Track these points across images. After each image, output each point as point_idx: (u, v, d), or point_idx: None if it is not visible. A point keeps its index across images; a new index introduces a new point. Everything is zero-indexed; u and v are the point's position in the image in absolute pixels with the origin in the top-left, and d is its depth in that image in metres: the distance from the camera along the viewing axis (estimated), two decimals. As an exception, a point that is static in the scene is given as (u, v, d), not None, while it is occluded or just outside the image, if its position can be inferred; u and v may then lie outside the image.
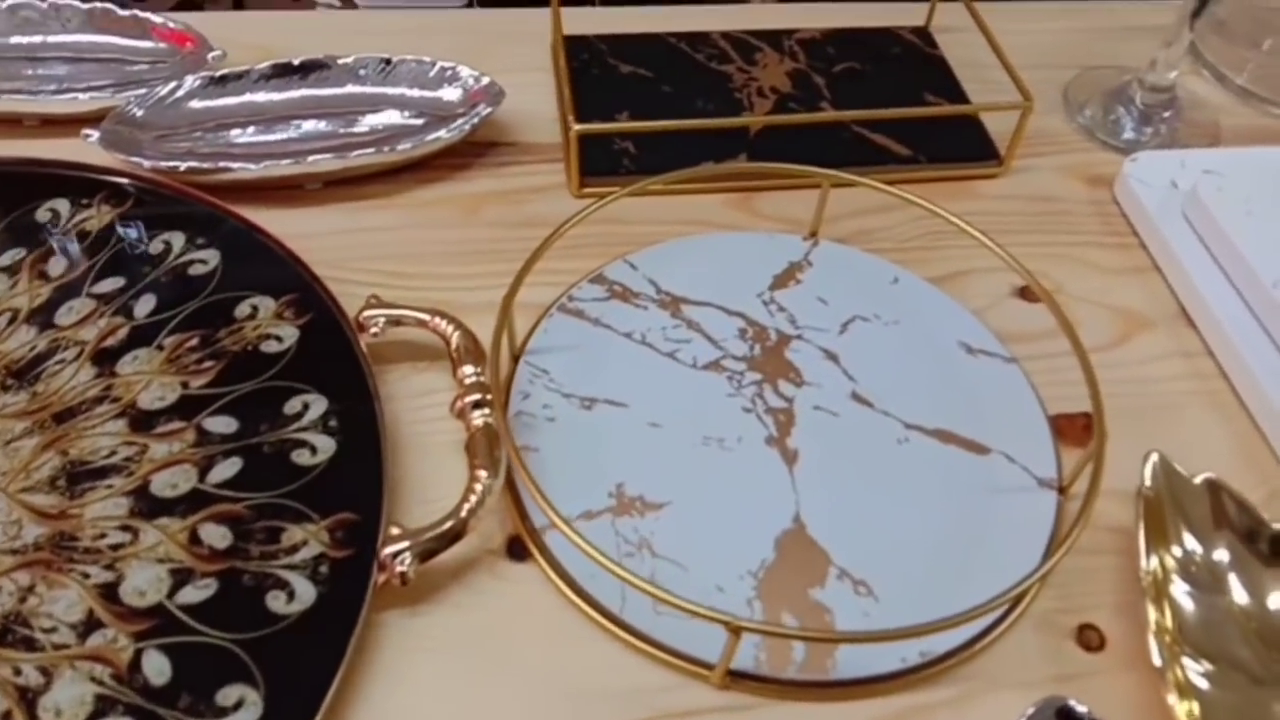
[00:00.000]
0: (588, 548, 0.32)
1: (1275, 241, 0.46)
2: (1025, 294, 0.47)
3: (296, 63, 0.51)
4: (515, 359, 0.42)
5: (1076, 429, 0.42)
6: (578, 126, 0.47)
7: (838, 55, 0.58)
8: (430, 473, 0.39)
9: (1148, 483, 0.37)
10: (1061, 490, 0.39)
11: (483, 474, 0.35)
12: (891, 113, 0.50)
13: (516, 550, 0.37)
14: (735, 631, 0.32)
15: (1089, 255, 0.50)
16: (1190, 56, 0.62)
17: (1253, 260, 0.45)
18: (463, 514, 0.35)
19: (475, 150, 0.52)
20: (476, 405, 0.38)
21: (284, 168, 0.46)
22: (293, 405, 0.39)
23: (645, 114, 0.53)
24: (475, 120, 0.49)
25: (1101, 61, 0.61)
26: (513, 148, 0.52)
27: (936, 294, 0.46)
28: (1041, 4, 0.66)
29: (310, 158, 0.47)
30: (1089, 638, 0.37)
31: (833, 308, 0.45)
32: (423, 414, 0.41)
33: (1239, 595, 0.36)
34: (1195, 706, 0.33)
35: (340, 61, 0.52)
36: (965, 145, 0.53)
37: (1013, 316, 0.46)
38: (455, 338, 0.40)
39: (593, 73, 0.56)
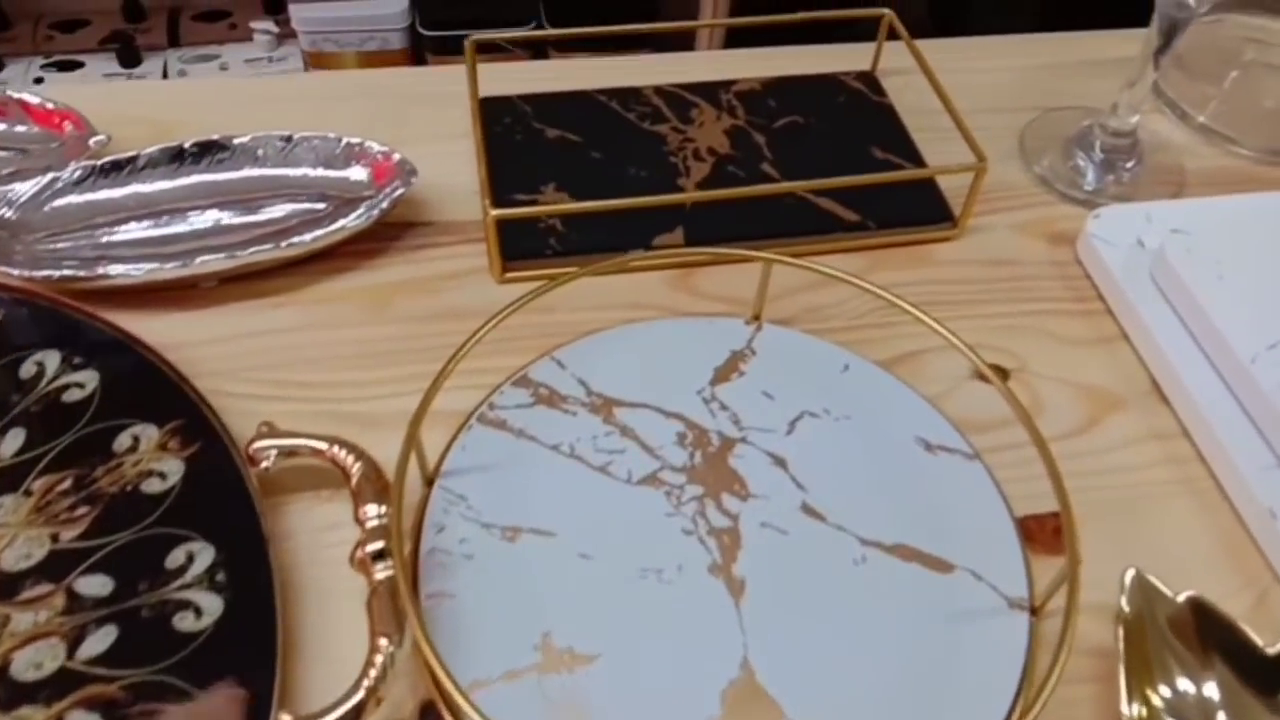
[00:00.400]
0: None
1: (1251, 308, 0.43)
2: (983, 373, 0.44)
3: (189, 145, 0.47)
4: (429, 483, 0.38)
5: (1047, 532, 0.39)
6: (494, 212, 0.43)
7: (779, 108, 0.54)
8: (333, 624, 0.35)
9: (1125, 606, 0.34)
10: (1034, 611, 0.36)
11: (383, 642, 0.31)
12: (834, 182, 0.46)
13: (431, 719, 0.33)
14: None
15: (1053, 325, 0.46)
16: (1152, 93, 0.58)
17: (1227, 332, 0.42)
18: (362, 691, 0.31)
19: (388, 233, 0.47)
20: (378, 556, 0.33)
21: (169, 271, 0.42)
22: (176, 557, 0.35)
23: (573, 183, 0.49)
24: (384, 204, 0.45)
25: (1060, 100, 0.57)
26: (430, 228, 0.48)
27: (891, 381, 0.42)
28: (994, 39, 0.62)
29: (199, 259, 0.42)
30: (1068, 783, 0.33)
31: (779, 403, 0.41)
32: (326, 553, 0.37)
33: (1231, 734, 0.32)
34: None
35: (236, 141, 0.47)
36: (917, 206, 0.49)
37: (974, 401, 0.43)
38: (356, 470, 0.36)
39: (516, 139, 0.51)
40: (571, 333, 0.43)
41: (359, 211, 0.45)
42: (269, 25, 1.56)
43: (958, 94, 0.50)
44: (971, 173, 0.47)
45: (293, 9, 1.45)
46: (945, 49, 0.60)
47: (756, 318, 0.44)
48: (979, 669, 0.34)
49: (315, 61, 1.38)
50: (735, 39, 1.39)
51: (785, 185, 0.47)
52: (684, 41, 1.44)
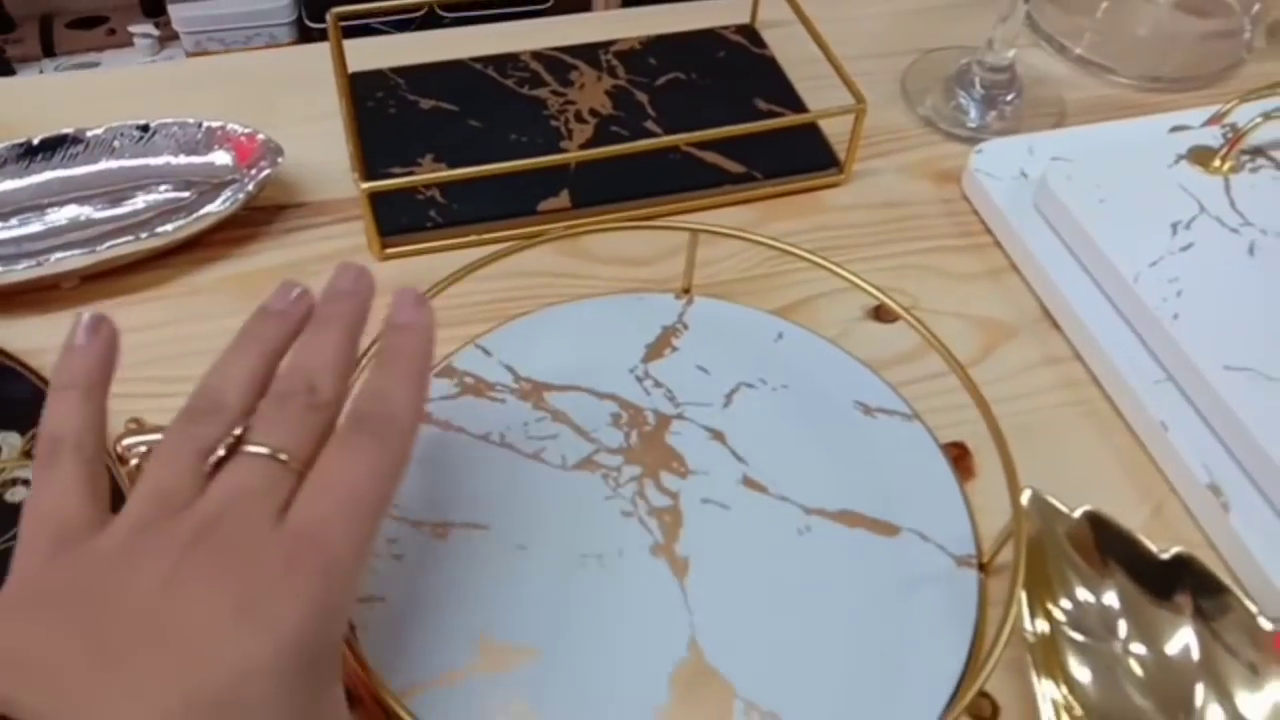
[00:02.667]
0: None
1: (1133, 229, 0.43)
2: (880, 314, 0.44)
3: (36, 141, 0.44)
4: None
5: (953, 459, 0.39)
6: (365, 185, 0.42)
7: (660, 65, 0.53)
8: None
9: (1025, 524, 0.34)
10: (982, 567, 0.35)
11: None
12: (716, 133, 0.46)
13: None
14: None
15: (943, 262, 0.46)
16: (1028, 28, 0.59)
17: (1111, 254, 0.42)
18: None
19: (260, 217, 0.45)
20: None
21: (21, 272, 0.40)
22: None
23: (453, 153, 0.48)
24: (250, 186, 0.43)
25: (938, 42, 0.57)
26: (303, 209, 0.46)
27: (826, 347, 0.41)
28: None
29: (54, 256, 0.40)
30: (981, 707, 0.33)
31: (714, 376, 0.40)
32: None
33: (1132, 642, 0.33)
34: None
35: (90, 134, 0.45)
36: (803, 155, 0.49)
37: (871, 341, 0.42)
38: (234, 460, 0.34)
39: (389, 111, 0.50)
40: (467, 312, 0.42)
41: (224, 196, 0.43)
42: (149, 28, 1.51)
43: (837, 42, 0.50)
44: (852, 115, 0.47)
45: (173, 9, 1.40)
46: (823, -2, 0.60)
47: (686, 291, 0.43)
48: (931, 630, 0.33)
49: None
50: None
51: (667, 139, 0.46)
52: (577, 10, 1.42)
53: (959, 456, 0.39)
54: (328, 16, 0.49)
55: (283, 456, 0.26)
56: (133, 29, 1.50)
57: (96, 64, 1.50)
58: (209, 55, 1.42)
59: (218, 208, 0.42)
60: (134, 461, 0.35)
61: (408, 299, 0.29)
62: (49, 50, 1.50)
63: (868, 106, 0.46)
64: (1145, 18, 0.58)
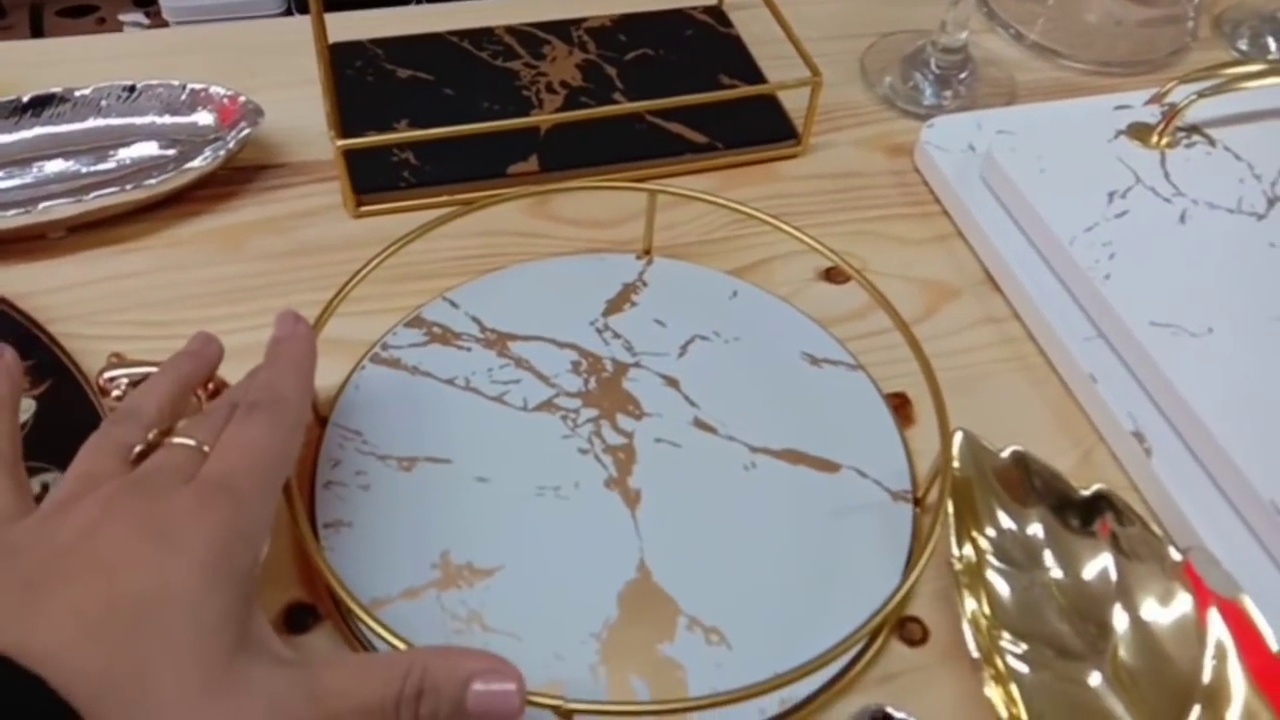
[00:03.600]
0: (391, 638, 0.29)
1: (1071, 198, 0.46)
2: (831, 275, 0.46)
3: (26, 99, 0.46)
4: (322, 423, 0.38)
5: (894, 407, 0.41)
6: (341, 141, 0.44)
7: (629, 42, 0.55)
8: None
9: (956, 463, 0.36)
10: (917, 502, 0.38)
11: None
12: (679, 100, 0.48)
13: (300, 619, 0.34)
14: (566, 716, 0.28)
15: (892, 229, 0.48)
16: (985, 15, 0.61)
17: (1049, 219, 0.45)
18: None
19: (241, 176, 0.47)
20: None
21: (11, 219, 0.41)
22: (32, 489, 0.34)
23: (426, 120, 0.49)
24: (231, 144, 0.45)
25: (897, 25, 0.60)
26: (282, 169, 0.48)
27: (778, 304, 0.44)
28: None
29: (42, 204, 0.42)
30: (911, 631, 0.35)
31: (671, 329, 0.42)
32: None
33: (1053, 569, 0.35)
34: (1015, 690, 0.32)
35: (78, 94, 0.47)
36: (763, 127, 0.51)
37: (821, 300, 0.45)
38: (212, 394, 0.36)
39: (367, 80, 0.52)
40: (432, 264, 0.44)
41: (206, 154, 0.45)
42: (139, 17, 1.53)
43: (801, 24, 0.52)
44: (809, 88, 0.49)
45: (162, -2, 1.42)
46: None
47: (647, 252, 0.45)
48: (865, 560, 0.36)
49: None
50: None
51: (632, 105, 0.48)
52: None
53: (900, 405, 0.41)
54: (309, -12, 0.51)
55: (205, 449, 0.29)
56: (122, 17, 1.52)
57: (85, 52, 1.51)
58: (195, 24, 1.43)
59: (200, 164, 0.44)
60: (115, 393, 0.37)
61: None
62: (39, 38, 1.51)
63: (824, 81, 0.49)
64: (1095, 5, 0.61)
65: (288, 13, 1.45)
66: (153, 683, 0.23)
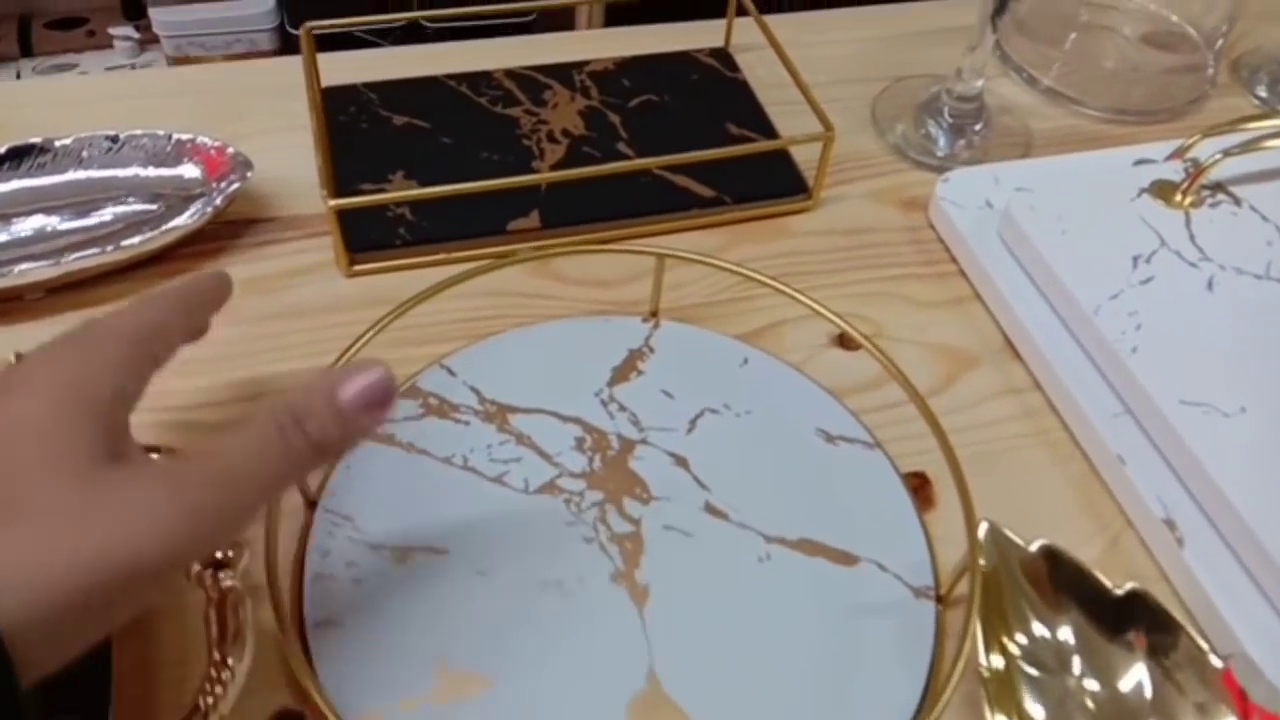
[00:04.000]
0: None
1: (1094, 262, 0.44)
2: (845, 341, 0.44)
3: (3, 150, 0.44)
4: (311, 505, 0.36)
5: (914, 489, 0.39)
6: (334, 201, 0.42)
7: (633, 87, 0.53)
8: (171, 647, 0.33)
9: (981, 560, 0.34)
10: (940, 599, 0.35)
11: (228, 659, 0.30)
12: (687, 157, 0.46)
13: (284, 729, 0.32)
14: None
15: (907, 289, 0.47)
16: (998, 59, 0.60)
17: (1072, 285, 0.43)
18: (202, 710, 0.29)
19: (228, 231, 0.45)
20: (219, 566, 0.32)
21: (-16, 283, 0.39)
22: None
23: (423, 170, 0.48)
24: (219, 200, 0.43)
25: (909, 70, 0.58)
26: (272, 224, 0.46)
27: (790, 374, 0.42)
28: (844, 12, 0.63)
29: (18, 268, 0.40)
30: (935, 738, 0.33)
31: (679, 401, 0.40)
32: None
33: (1086, 678, 0.33)
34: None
35: (59, 144, 0.45)
36: (772, 180, 0.49)
37: (835, 368, 0.43)
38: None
39: (361, 126, 0.50)
40: (432, 332, 0.42)
41: (192, 210, 0.43)
42: (129, 31, 1.50)
43: (810, 67, 0.51)
44: (820, 142, 0.47)
45: (153, 13, 1.39)
46: (796, 23, 0.61)
47: (654, 314, 0.43)
48: (887, 662, 0.34)
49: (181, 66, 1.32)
50: (613, 19, 1.38)
51: (640, 162, 0.46)
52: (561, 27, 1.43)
53: (919, 486, 0.39)
54: (300, 31, 0.49)
55: None
56: (113, 31, 1.50)
57: (75, 65, 1.49)
58: (184, 64, 1.41)
59: (185, 221, 0.42)
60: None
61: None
62: (27, 50, 1.49)
63: (836, 134, 0.47)
64: (1112, 51, 0.59)
65: (280, 28, 1.43)
66: (15, 502, 0.23)
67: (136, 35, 1.50)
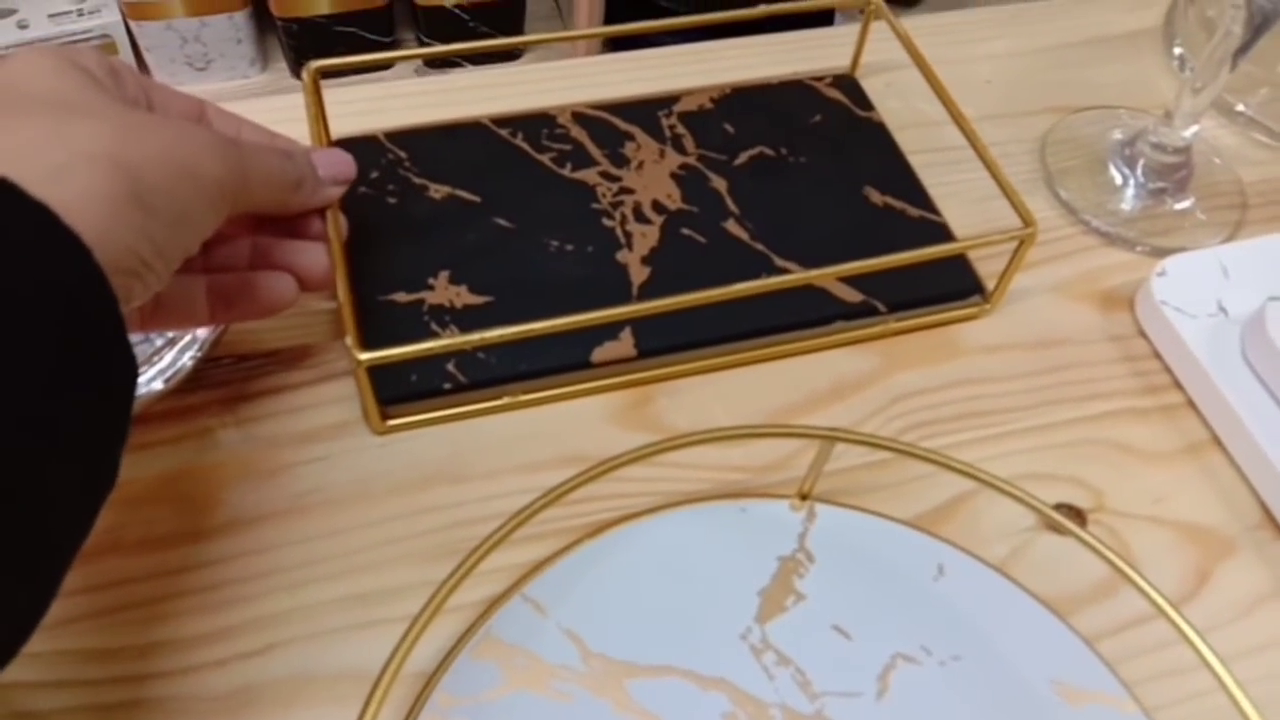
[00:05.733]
0: None
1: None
2: (1056, 524, 0.33)
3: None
4: None
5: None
6: (364, 356, 0.29)
7: (738, 134, 0.41)
8: None
9: None
10: None
11: None
12: (845, 270, 0.33)
13: None
14: None
15: (1127, 433, 0.35)
16: (1177, 67, 0.47)
17: (1369, 449, 0.32)
18: None
19: (210, 378, 0.33)
20: None
21: None
22: None
23: (474, 269, 0.35)
24: (195, 352, 0.31)
25: (1075, 94, 0.46)
26: (272, 360, 0.34)
27: (1003, 586, 0.30)
28: (983, 12, 0.50)
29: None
30: None
31: (859, 644, 0.29)
32: None
33: None
34: None
35: None
36: (937, 278, 0.37)
37: (1052, 563, 0.31)
38: None
39: (389, 202, 0.37)
40: (483, 520, 0.31)
41: (164, 362, 0.30)
42: (75, -34, 1.32)
43: (955, 92, 0.38)
44: (1016, 241, 0.35)
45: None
46: (931, 29, 0.48)
47: (804, 496, 0.32)
48: None
49: (135, 13, 1.15)
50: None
51: (774, 281, 0.33)
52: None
53: (1193, 759, 0.29)
54: (304, 73, 0.36)
55: None
56: None
57: (15, 11, 1.30)
58: (140, 17, 1.24)
59: (156, 387, 0.30)
60: None
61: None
62: None
63: (1037, 228, 0.35)
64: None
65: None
66: (82, 105, 0.24)
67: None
